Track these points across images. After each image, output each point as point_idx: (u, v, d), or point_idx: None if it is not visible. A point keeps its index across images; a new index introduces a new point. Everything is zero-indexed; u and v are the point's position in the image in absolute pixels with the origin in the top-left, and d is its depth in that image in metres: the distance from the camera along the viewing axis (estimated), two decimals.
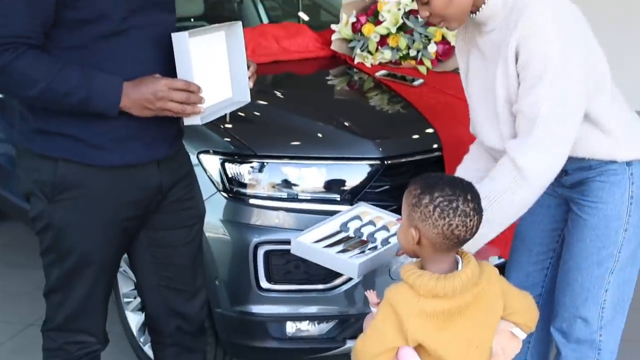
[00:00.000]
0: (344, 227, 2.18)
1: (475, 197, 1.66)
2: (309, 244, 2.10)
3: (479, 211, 1.66)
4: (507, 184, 1.82)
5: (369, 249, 2.06)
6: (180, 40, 1.82)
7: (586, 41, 1.85)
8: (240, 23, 2.06)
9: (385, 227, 2.14)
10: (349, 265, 2.00)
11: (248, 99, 2.08)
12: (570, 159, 1.88)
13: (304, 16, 4.70)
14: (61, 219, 1.91)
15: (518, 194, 1.83)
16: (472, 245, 1.76)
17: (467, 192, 1.65)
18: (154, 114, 1.84)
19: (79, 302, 2.00)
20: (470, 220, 1.64)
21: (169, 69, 1.87)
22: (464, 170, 2.10)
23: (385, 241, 2.08)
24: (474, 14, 1.89)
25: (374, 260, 2.02)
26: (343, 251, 2.06)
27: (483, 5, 1.87)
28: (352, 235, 2.15)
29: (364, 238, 2.12)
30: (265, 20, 4.47)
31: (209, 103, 1.92)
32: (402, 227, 1.74)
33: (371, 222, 2.18)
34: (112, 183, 1.91)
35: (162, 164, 1.99)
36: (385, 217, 2.20)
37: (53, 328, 2.04)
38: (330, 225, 2.19)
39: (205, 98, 1.87)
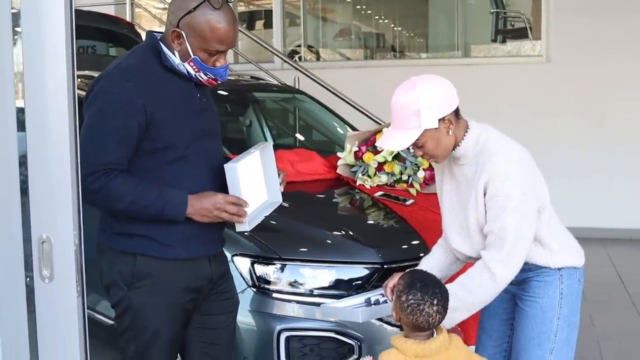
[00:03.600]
0: (368, 300, 2.65)
1: (440, 301, 2.26)
2: (331, 305, 2.62)
3: (441, 311, 2.27)
4: (481, 282, 2.39)
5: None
6: (231, 170, 2.38)
7: (534, 175, 2.45)
8: (270, 143, 2.67)
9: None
10: (354, 313, 2.54)
11: (280, 200, 2.64)
12: None
13: (299, 136, 5.35)
14: (138, 302, 2.41)
15: (487, 290, 2.40)
16: (445, 324, 2.34)
17: (435, 297, 2.26)
18: (210, 220, 2.39)
19: None
20: (433, 319, 2.26)
21: (218, 184, 2.44)
22: (428, 267, 2.64)
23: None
24: (452, 150, 2.48)
25: (375, 310, 2.57)
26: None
27: (458, 146, 2.45)
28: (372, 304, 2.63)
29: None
30: (269, 137, 4.98)
31: (252, 208, 2.47)
32: (393, 304, 2.35)
33: None
34: (177, 272, 2.42)
35: (212, 260, 2.52)
36: None
37: None
38: (357, 299, 2.67)
39: (249, 205, 2.42)
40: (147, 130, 2.32)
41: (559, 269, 2.49)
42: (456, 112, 2.44)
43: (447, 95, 2.40)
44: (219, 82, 2.46)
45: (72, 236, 1.94)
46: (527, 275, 2.49)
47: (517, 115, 6.96)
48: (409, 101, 2.35)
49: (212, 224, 2.44)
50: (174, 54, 2.39)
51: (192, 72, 2.39)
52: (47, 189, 1.90)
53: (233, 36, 2.37)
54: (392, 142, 2.43)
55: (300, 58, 9.06)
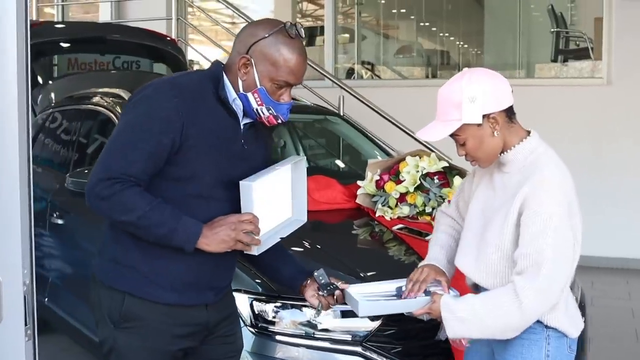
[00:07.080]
0: (399, 290, 2.39)
1: None
2: (349, 291, 2.41)
3: None
4: (505, 307, 2.12)
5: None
6: (246, 188, 2.20)
7: (574, 210, 2.18)
8: (304, 158, 2.53)
9: (427, 292, 2.34)
10: (357, 303, 2.32)
11: (305, 219, 2.45)
12: None
13: (340, 163, 5.14)
14: (124, 344, 2.27)
15: (508, 319, 2.13)
16: (448, 332, 2.18)
17: None
18: (228, 246, 2.18)
19: None
20: None
21: None
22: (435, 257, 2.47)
23: (404, 295, 2.34)
24: (501, 154, 2.25)
25: (381, 306, 2.37)
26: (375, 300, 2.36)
27: (509, 150, 2.23)
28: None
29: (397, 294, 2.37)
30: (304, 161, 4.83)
31: (265, 230, 2.28)
32: None
33: None
34: (167, 318, 2.27)
35: (209, 307, 2.35)
36: (436, 288, 2.37)
37: None
38: (387, 286, 2.45)
39: (263, 225, 2.23)
40: (176, 154, 2.18)
41: (547, 327, 2.22)
42: (508, 114, 2.24)
43: (496, 91, 2.20)
44: (279, 121, 2.29)
45: (22, 276, 1.82)
46: None
47: (576, 138, 6.69)
48: (452, 92, 2.20)
49: (216, 274, 2.31)
50: (237, 86, 2.25)
51: (254, 104, 2.24)
52: None
53: (303, 70, 2.26)
54: (429, 132, 2.26)
55: (356, 75, 8.96)
